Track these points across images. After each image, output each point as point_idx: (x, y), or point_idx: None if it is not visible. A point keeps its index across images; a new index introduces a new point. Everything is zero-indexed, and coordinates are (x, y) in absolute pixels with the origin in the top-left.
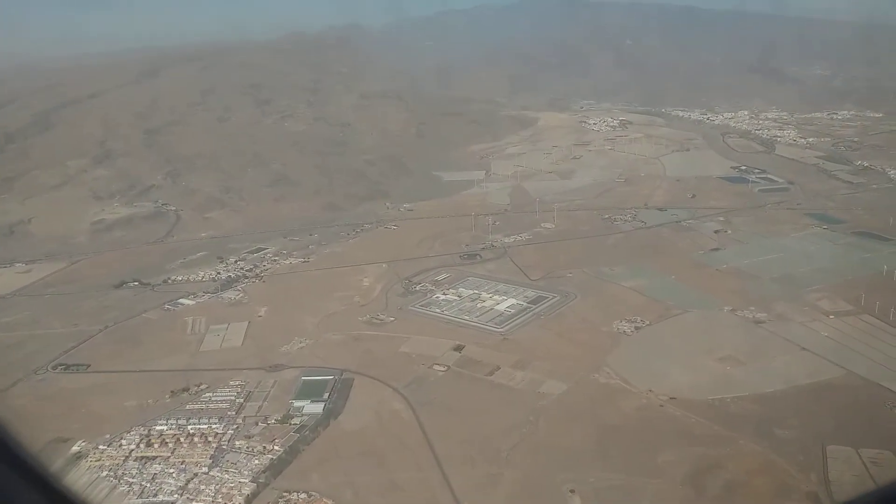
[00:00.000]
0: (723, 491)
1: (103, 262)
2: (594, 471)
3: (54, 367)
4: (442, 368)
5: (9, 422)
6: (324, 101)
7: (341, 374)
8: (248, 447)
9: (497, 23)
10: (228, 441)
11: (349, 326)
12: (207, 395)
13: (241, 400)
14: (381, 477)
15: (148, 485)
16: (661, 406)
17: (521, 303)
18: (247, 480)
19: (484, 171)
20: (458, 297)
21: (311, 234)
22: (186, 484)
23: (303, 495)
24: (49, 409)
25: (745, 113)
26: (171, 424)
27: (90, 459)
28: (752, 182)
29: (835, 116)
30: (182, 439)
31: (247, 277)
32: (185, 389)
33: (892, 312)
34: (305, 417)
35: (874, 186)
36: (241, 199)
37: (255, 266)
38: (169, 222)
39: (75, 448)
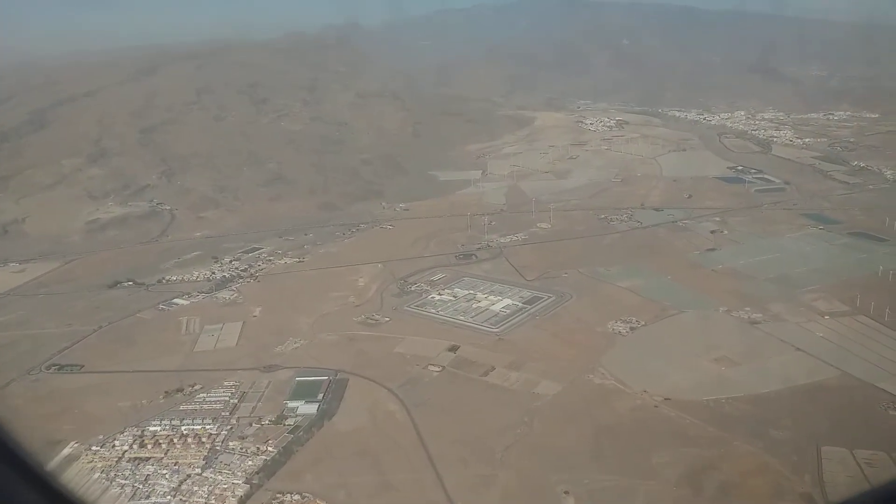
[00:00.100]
0: (717, 492)
1: (97, 261)
2: (588, 472)
3: (48, 368)
4: (437, 369)
5: (7, 421)
6: (321, 100)
7: (336, 375)
8: (241, 448)
9: (495, 22)
10: (222, 442)
11: (344, 327)
12: (201, 395)
13: (236, 400)
14: (375, 478)
15: (141, 486)
16: (656, 407)
17: (517, 303)
18: (240, 481)
19: (480, 171)
20: (454, 297)
21: (306, 234)
22: (179, 485)
23: (296, 496)
24: (42, 410)
25: (742, 113)
26: (165, 425)
27: (82, 461)
28: (749, 182)
29: (831, 117)
30: (175, 440)
31: (241, 277)
32: (179, 390)
33: (887, 313)
34: (299, 418)
35: (870, 187)
36: (237, 199)
37: (250, 266)
38: (164, 222)
39: (67, 450)
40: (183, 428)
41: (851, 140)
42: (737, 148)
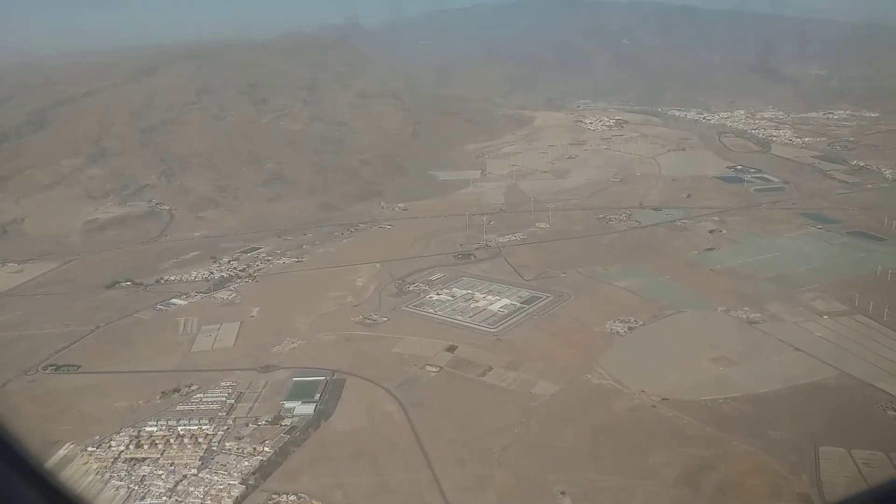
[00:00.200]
0: (715, 492)
1: (96, 261)
2: (585, 472)
3: (45, 368)
4: (434, 369)
5: (7, 420)
6: (320, 100)
7: (333, 375)
8: (238, 448)
9: (495, 22)
10: (218, 442)
11: (342, 327)
12: (198, 395)
13: (232, 401)
14: (372, 478)
15: (136, 487)
16: (654, 407)
17: (515, 303)
18: (236, 482)
19: (479, 171)
20: (452, 297)
21: (304, 234)
22: (175, 486)
23: (292, 497)
24: (39, 411)
25: (742, 112)
26: (161, 425)
27: (78, 462)
28: (748, 182)
29: (831, 116)
30: (172, 440)
31: (240, 277)
32: (176, 390)
33: (886, 312)
34: (296, 418)
35: (870, 186)
36: (236, 199)
37: (249, 266)
38: (162, 222)
39: (63, 450)
40: (179, 428)
41: (851, 139)
42: (736, 147)
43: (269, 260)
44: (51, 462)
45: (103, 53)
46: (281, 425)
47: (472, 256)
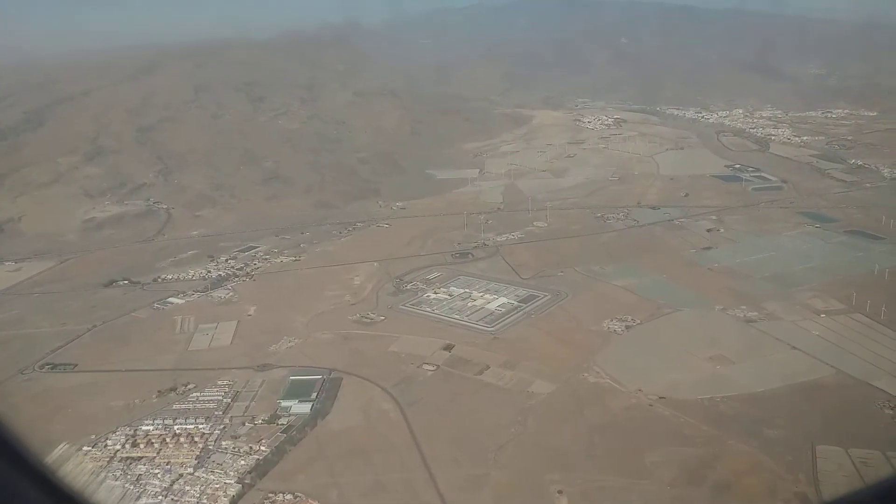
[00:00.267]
0: (711, 491)
1: (93, 260)
2: (582, 471)
3: (41, 367)
4: (431, 368)
5: (7, 418)
6: (318, 98)
7: (330, 374)
8: (234, 447)
9: (494, 21)
10: (215, 441)
11: (339, 325)
12: (195, 394)
13: (229, 400)
14: (368, 477)
15: (132, 487)
16: (651, 406)
17: (512, 302)
18: (232, 481)
19: (477, 170)
20: (449, 295)
21: (302, 233)
22: (171, 485)
23: (288, 496)
24: (34, 410)
25: (740, 111)
26: (158, 424)
27: (73, 461)
28: (746, 181)
29: (829, 115)
30: (168, 439)
31: (237, 276)
32: (173, 389)
33: (883, 311)
34: (293, 417)
35: (867, 185)
36: (233, 197)
37: (246, 265)
38: (160, 220)
39: (58, 450)
40: (176, 427)
41: (849, 138)
42: (735, 146)
43: (266, 259)
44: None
45: (101, 52)
46: (277, 424)
47: (469, 255)
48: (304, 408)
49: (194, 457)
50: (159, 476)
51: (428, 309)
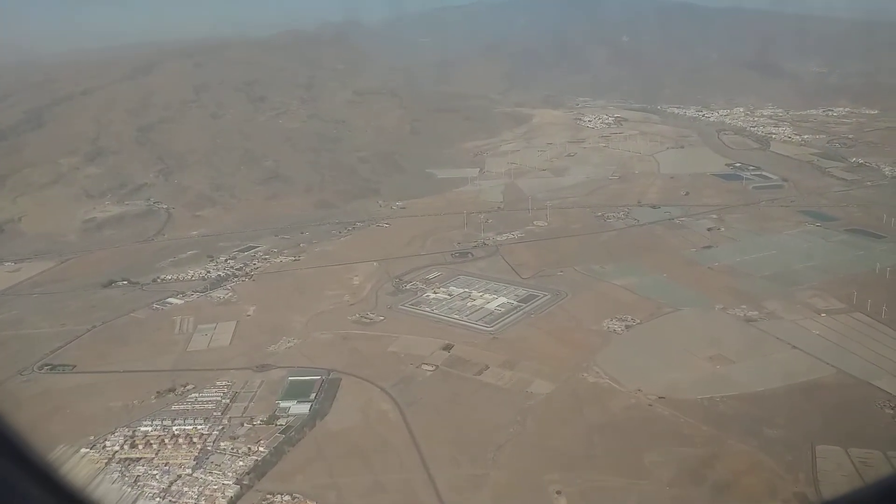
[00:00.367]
0: (711, 491)
1: (93, 260)
2: (581, 472)
3: (40, 368)
4: (430, 368)
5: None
6: (318, 97)
7: (329, 374)
8: (232, 448)
9: (494, 19)
10: (213, 442)
11: (338, 326)
12: (193, 395)
13: (227, 400)
14: (366, 478)
15: (129, 488)
16: (650, 406)
17: (512, 301)
18: (230, 482)
19: (478, 169)
20: (449, 295)
21: (302, 233)
22: (170, 486)
23: (286, 497)
24: (33, 411)
25: (741, 110)
26: (156, 425)
27: (71, 463)
28: (746, 179)
29: (830, 113)
30: (167, 440)
31: (236, 276)
32: (171, 390)
33: (884, 310)
34: (291, 418)
35: (868, 183)
36: (233, 197)
37: (245, 265)
38: (160, 220)
39: (56, 452)
40: (174, 428)
41: (850, 136)
42: (735, 145)
43: (266, 259)
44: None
45: (101, 52)
46: (276, 425)
47: (469, 255)
48: (303, 408)
49: (193, 458)
50: (157, 477)
51: (427, 309)
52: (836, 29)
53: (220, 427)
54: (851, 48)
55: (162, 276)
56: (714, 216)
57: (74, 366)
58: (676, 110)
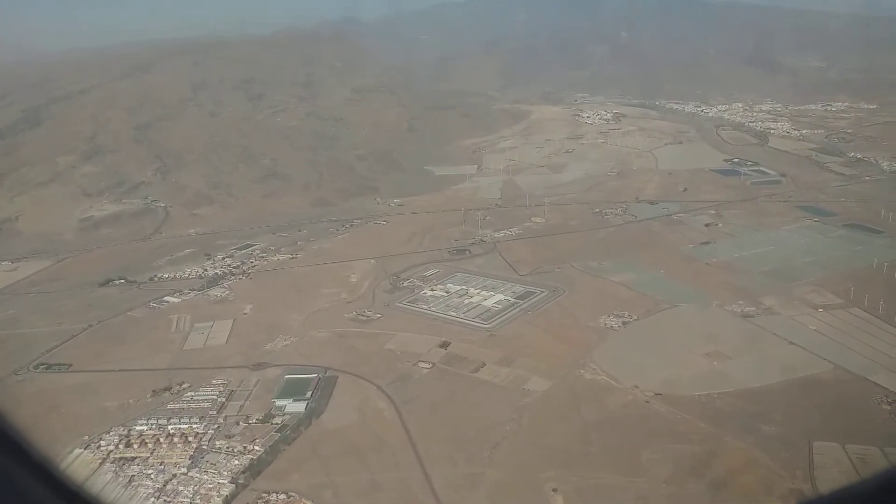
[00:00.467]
0: (707, 488)
1: (90, 259)
2: (578, 469)
3: (35, 367)
4: (427, 366)
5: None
6: (316, 95)
7: (325, 372)
8: (228, 447)
9: (493, 15)
10: (209, 441)
11: (335, 323)
12: (189, 394)
13: (223, 399)
14: (362, 477)
15: (123, 489)
16: (647, 402)
17: (509, 298)
18: (226, 481)
19: (476, 166)
20: (446, 292)
21: (299, 230)
22: (164, 485)
23: (282, 496)
24: (28, 411)
25: (740, 105)
26: (152, 424)
27: (65, 463)
28: (745, 175)
29: (829, 108)
30: (162, 439)
31: (233, 274)
32: (167, 389)
33: (881, 305)
34: (287, 416)
35: (867, 178)
36: (231, 195)
37: (243, 263)
38: (157, 219)
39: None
40: (170, 427)
41: (849, 131)
42: (734, 140)
43: (263, 257)
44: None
45: (98, 50)
46: (272, 423)
47: (467, 252)
48: (299, 407)
49: (188, 457)
50: (152, 476)
51: (424, 306)
52: (835, 24)
53: (216, 426)
54: (850, 43)
55: (159, 275)
56: (712, 212)
57: (70, 365)
58: (675, 106)
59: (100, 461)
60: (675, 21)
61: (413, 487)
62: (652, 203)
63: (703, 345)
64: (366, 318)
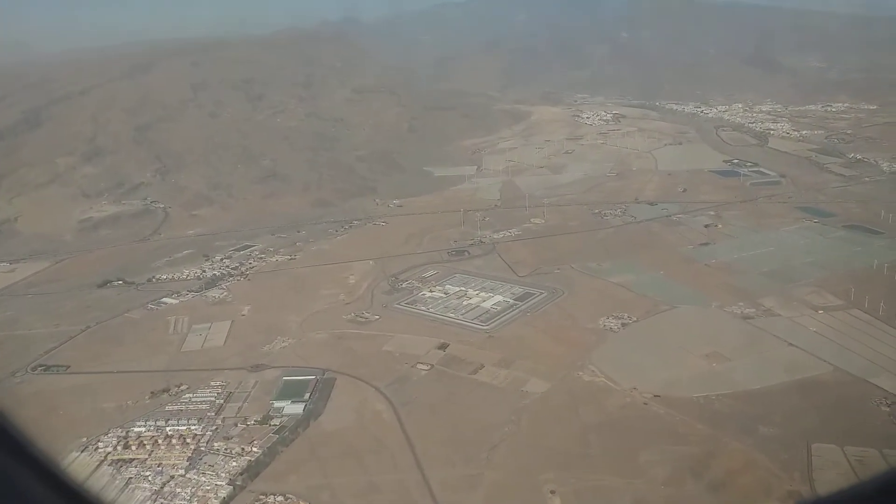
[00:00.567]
0: (705, 490)
1: (89, 260)
2: (576, 471)
3: (33, 369)
4: (425, 367)
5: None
6: (316, 96)
7: (323, 374)
8: (226, 449)
9: (493, 15)
10: (207, 443)
11: (333, 325)
12: (187, 395)
13: (221, 401)
14: (360, 478)
15: (120, 491)
16: (646, 404)
17: (508, 300)
18: (223, 483)
19: (475, 167)
20: (445, 294)
21: (298, 231)
22: (162, 487)
23: (279, 498)
24: (25, 413)
25: (740, 106)
26: (150, 426)
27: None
28: (744, 175)
29: (829, 108)
30: (160, 441)
31: (232, 276)
32: (165, 390)
33: (881, 307)
34: (285, 418)
35: (866, 179)
36: (230, 196)
37: (241, 264)
38: (156, 220)
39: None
40: (168, 429)
41: (849, 132)
42: (733, 141)
43: (261, 258)
44: None
45: (99, 50)
46: (270, 425)
47: (466, 253)
48: (297, 408)
49: (186, 458)
50: (150, 478)
51: (423, 307)
52: (836, 24)
53: (214, 427)
54: (851, 43)
55: (157, 276)
56: (712, 213)
57: (68, 366)
58: (675, 106)
59: (97, 463)
60: (675, 21)
61: (411, 489)
62: (651, 204)
63: (702, 346)
64: (364, 320)
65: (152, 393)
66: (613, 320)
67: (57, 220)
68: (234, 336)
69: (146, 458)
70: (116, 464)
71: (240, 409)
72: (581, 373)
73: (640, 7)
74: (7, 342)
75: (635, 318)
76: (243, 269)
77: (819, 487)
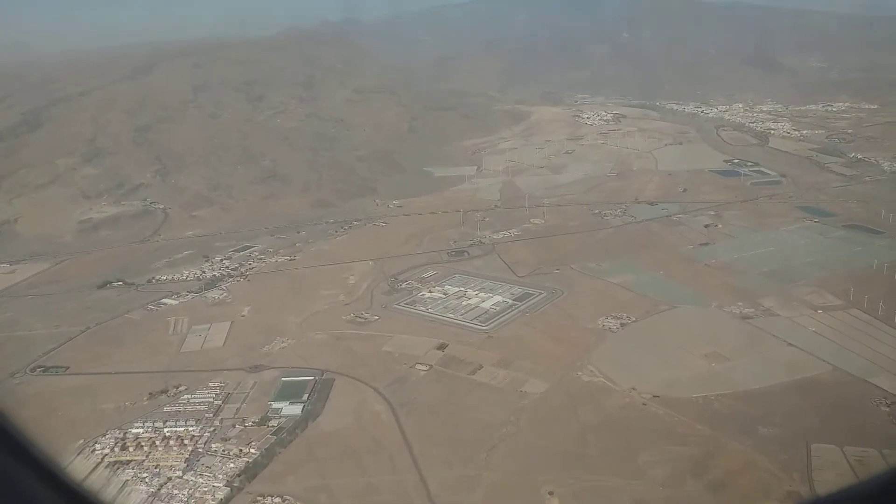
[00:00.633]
0: (704, 491)
1: (88, 261)
2: (574, 472)
3: (32, 370)
4: (424, 368)
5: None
6: (317, 96)
7: (322, 375)
8: (224, 450)
9: (493, 16)
10: (205, 444)
11: (332, 325)
12: (186, 396)
13: (220, 402)
14: (358, 480)
15: (117, 492)
16: (644, 405)
17: (507, 300)
18: (221, 484)
19: (475, 167)
20: (444, 294)
21: (298, 232)
22: (159, 489)
23: (277, 499)
24: (24, 414)
25: (740, 105)
26: (148, 427)
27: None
28: (745, 175)
29: (830, 108)
30: (158, 442)
31: (231, 276)
32: (164, 391)
33: (881, 307)
34: (283, 419)
35: (867, 178)
36: (230, 197)
37: (241, 265)
38: (156, 221)
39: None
40: (165, 430)
41: (849, 131)
42: (734, 141)
43: (261, 258)
44: None
45: (99, 52)
46: (268, 426)
47: (465, 253)
48: (296, 409)
49: (183, 460)
50: (147, 480)
51: (422, 308)
52: (836, 24)
53: (212, 429)
54: (851, 43)
55: (157, 277)
56: (712, 213)
57: (68, 367)
58: (675, 106)
59: (94, 465)
60: (676, 21)
61: (409, 490)
62: (651, 204)
63: (701, 346)
64: (363, 320)
65: (151, 394)
66: (613, 320)
67: (57, 221)
68: (234, 337)
69: (143, 460)
70: (113, 465)
71: (238, 410)
72: (580, 373)
73: (640, 7)
74: (7, 343)
75: (635, 319)
76: (243, 269)
77: (819, 488)
